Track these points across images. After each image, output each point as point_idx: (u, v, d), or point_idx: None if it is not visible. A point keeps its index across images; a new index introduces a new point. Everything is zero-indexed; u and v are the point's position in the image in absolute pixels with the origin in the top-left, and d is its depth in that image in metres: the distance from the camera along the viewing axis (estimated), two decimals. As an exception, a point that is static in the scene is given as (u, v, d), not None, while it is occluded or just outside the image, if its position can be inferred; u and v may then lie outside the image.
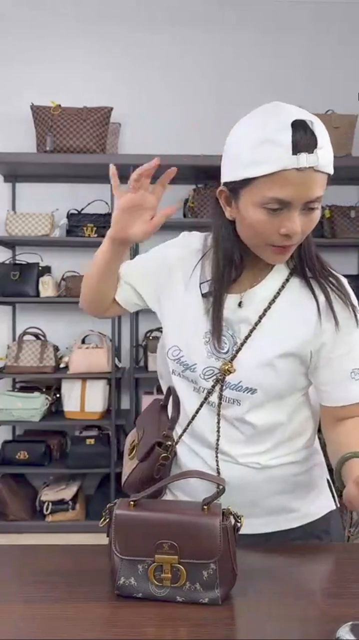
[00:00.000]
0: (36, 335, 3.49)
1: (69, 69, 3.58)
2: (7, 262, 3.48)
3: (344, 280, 1.13)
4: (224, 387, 1.09)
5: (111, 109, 3.32)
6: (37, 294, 3.36)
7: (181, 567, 0.95)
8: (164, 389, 1.25)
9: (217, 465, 1.14)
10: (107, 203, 3.40)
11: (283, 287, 1.09)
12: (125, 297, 1.24)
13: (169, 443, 1.15)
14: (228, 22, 3.61)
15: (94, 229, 3.33)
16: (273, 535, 1.19)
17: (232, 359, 1.08)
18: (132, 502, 1.01)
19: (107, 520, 1.01)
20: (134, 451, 1.22)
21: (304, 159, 0.91)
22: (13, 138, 3.52)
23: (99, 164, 3.27)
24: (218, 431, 1.12)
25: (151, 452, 1.16)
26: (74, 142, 3.25)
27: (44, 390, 3.46)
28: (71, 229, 3.39)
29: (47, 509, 3.30)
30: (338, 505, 1.27)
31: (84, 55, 3.59)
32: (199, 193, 3.41)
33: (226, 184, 1.03)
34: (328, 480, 1.27)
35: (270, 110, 0.98)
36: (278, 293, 1.09)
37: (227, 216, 1.06)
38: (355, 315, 1.08)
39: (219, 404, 1.10)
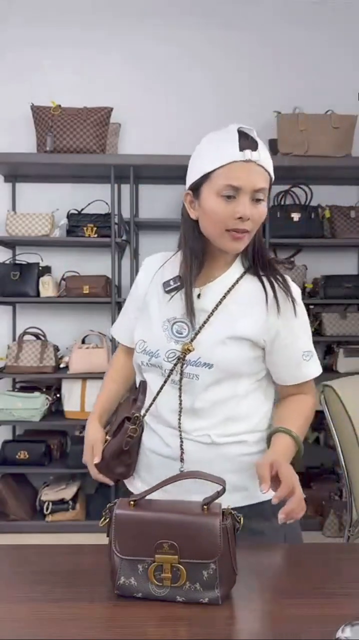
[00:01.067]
0: (36, 335, 3.49)
1: (69, 69, 3.58)
2: (7, 262, 3.48)
3: (289, 279, 1.31)
4: (185, 365, 1.24)
5: (111, 109, 3.33)
6: (37, 294, 3.36)
7: (181, 567, 0.96)
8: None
9: (181, 442, 1.26)
10: (107, 203, 3.40)
11: (237, 282, 1.28)
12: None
13: (137, 415, 1.30)
14: (228, 22, 3.61)
15: (94, 229, 3.33)
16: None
17: (192, 340, 1.25)
18: (132, 502, 1.01)
19: (107, 520, 1.01)
20: (107, 436, 1.38)
21: (248, 154, 1.17)
22: (13, 138, 3.52)
23: (99, 164, 3.27)
24: (180, 404, 1.25)
25: (121, 427, 1.31)
26: (74, 142, 3.25)
27: (44, 390, 3.46)
28: (71, 229, 3.39)
29: (47, 509, 3.30)
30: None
31: (84, 55, 3.59)
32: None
33: (190, 187, 1.25)
34: None
35: (222, 129, 1.24)
36: (232, 287, 1.27)
37: (192, 217, 1.25)
38: (294, 307, 1.28)
39: (181, 379, 1.25)
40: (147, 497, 1.03)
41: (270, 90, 3.57)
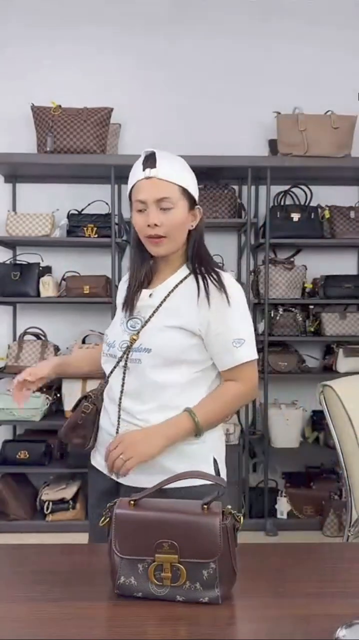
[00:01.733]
0: (37, 335, 3.49)
1: (69, 69, 3.58)
2: (8, 262, 3.48)
3: (225, 275, 1.46)
4: (131, 352, 1.43)
5: (111, 109, 3.33)
6: (38, 294, 3.36)
7: (181, 566, 0.96)
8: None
9: (119, 421, 1.43)
10: (107, 203, 3.40)
11: (180, 282, 1.46)
12: None
13: (90, 394, 1.51)
14: (227, 22, 3.61)
15: (95, 229, 3.33)
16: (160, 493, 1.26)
17: (138, 332, 1.43)
18: (132, 502, 1.01)
19: (108, 520, 1.01)
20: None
21: (148, 172, 1.39)
22: (13, 139, 3.52)
23: (100, 165, 3.27)
24: (122, 386, 1.43)
25: (79, 405, 1.52)
26: (74, 143, 3.25)
27: (44, 390, 3.46)
28: (72, 229, 3.39)
29: (47, 509, 3.30)
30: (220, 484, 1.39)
31: (84, 55, 3.59)
32: (198, 193, 3.41)
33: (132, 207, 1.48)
34: (214, 461, 1.47)
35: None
36: (176, 286, 1.46)
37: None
38: (227, 299, 1.41)
39: (125, 364, 1.43)
40: (147, 497, 1.03)
41: (270, 90, 3.57)
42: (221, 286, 1.42)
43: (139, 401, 1.42)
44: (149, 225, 1.40)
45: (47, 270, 3.51)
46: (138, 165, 1.42)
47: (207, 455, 1.46)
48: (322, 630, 0.86)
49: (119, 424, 1.44)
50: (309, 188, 3.45)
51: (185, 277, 1.47)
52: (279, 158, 3.33)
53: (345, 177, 3.55)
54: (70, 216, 3.41)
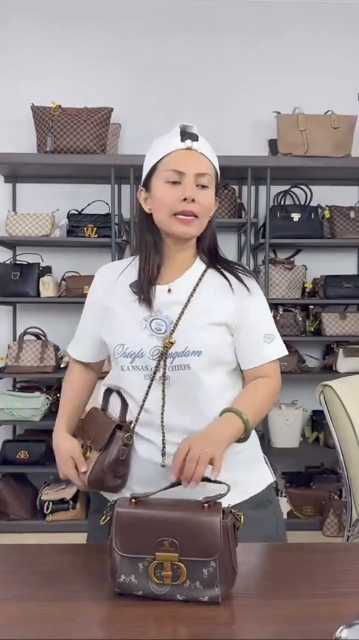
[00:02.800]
0: (37, 335, 3.49)
1: (69, 69, 3.58)
2: (8, 262, 3.48)
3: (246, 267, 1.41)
4: (171, 359, 1.25)
5: (111, 109, 3.33)
6: (38, 294, 3.36)
7: (181, 564, 0.96)
8: (101, 398, 1.37)
9: (164, 443, 1.25)
10: (107, 203, 3.40)
11: (202, 275, 1.34)
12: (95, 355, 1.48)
13: (130, 422, 1.27)
14: (228, 22, 3.61)
15: (95, 229, 3.33)
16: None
17: (171, 333, 1.26)
18: (133, 500, 1.01)
19: (108, 518, 1.01)
20: (87, 453, 1.32)
21: (189, 143, 1.27)
22: (13, 139, 3.52)
23: (100, 165, 3.27)
24: (163, 399, 1.25)
25: (112, 438, 1.25)
26: (74, 143, 3.25)
27: (44, 390, 3.46)
28: (72, 229, 3.39)
29: (47, 509, 3.30)
30: (275, 479, 1.42)
31: (84, 55, 3.59)
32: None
33: (143, 184, 1.33)
34: (264, 457, 1.41)
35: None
36: (200, 280, 1.33)
37: (146, 210, 1.31)
38: (259, 290, 1.36)
39: (164, 374, 1.25)
40: (141, 484, 1.04)
41: (270, 90, 3.57)
42: (251, 275, 1.36)
43: (181, 413, 1.26)
44: (185, 200, 1.24)
45: (47, 270, 3.51)
46: (174, 136, 1.28)
47: (260, 454, 1.40)
48: (322, 630, 0.86)
49: (164, 445, 1.24)
50: (309, 188, 3.45)
51: (205, 270, 1.35)
52: (279, 158, 3.33)
53: (345, 177, 3.55)
54: (70, 216, 3.41)
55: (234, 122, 3.58)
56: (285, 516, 3.35)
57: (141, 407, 1.27)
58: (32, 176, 3.57)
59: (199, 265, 1.35)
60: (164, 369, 1.25)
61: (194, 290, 1.31)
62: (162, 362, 1.25)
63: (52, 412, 3.46)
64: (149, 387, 1.26)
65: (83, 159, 3.26)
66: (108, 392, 1.35)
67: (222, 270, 1.34)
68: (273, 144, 3.43)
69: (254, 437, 1.37)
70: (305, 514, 3.39)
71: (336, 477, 3.44)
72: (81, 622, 0.91)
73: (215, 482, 1.10)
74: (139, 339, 1.27)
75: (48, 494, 3.35)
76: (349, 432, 1.94)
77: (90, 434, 1.32)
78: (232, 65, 3.62)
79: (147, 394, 1.26)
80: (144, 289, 1.30)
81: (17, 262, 3.48)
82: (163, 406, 1.25)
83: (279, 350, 1.36)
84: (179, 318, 1.28)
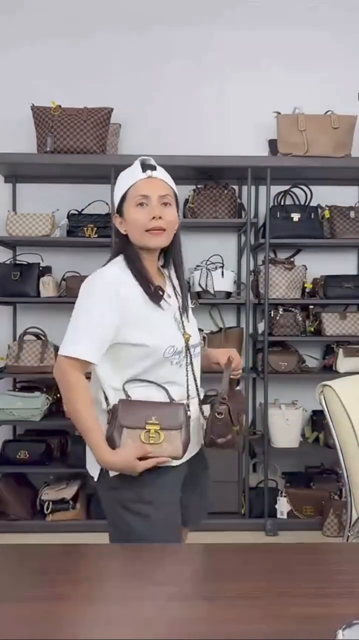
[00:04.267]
0: (37, 335, 3.49)
1: (69, 69, 3.58)
2: (8, 262, 3.48)
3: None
4: (194, 349, 1.62)
5: (111, 109, 3.32)
6: (38, 294, 3.36)
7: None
8: (111, 394, 1.55)
9: (201, 408, 1.62)
10: (107, 203, 3.40)
11: (171, 281, 1.69)
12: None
13: (186, 402, 1.58)
14: (228, 20, 3.61)
15: (95, 229, 3.33)
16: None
17: (184, 330, 1.60)
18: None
19: None
20: (161, 435, 1.50)
21: (150, 172, 1.57)
22: (13, 139, 3.52)
23: (100, 165, 3.27)
24: (194, 379, 1.62)
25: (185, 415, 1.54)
26: (74, 143, 3.25)
27: (44, 390, 3.46)
28: (72, 230, 3.39)
29: (47, 509, 3.30)
30: None
31: (84, 55, 3.59)
32: (198, 193, 3.42)
33: (116, 211, 1.62)
34: None
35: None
36: (174, 285, 1.68)
37: (122, 232, 1.61)
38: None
39: (191, 362, 1.59)
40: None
41: (270, 90, 3.57)
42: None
43: (193, 380, 1.61)
44: (153, 218, 1.53)
45: (47, 270, 3.51)
46: (136, 169, 1.58)
47: None
48: (322, 630, 0.86)
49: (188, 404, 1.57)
50: (309, 188, 3.45)
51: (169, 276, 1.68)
52: (279, 158, 3.33)
53: (345, 177, 3.55)
54: (70, 216, 3.41)
55: (234, 122, 3.58)
56: (285, 516, 3.36)
57: (188, 388, 1.58)
58: (32, 176, 3.57)
59: (164, 272, 1.68)
60: (191, 358, 1.59)
61: (180, 294, 1.64)
62: (189, 352, 1.59)
63: (52, 412, 3.46)
64: (187, 371, 1.58)
65: (83, 159, 3.26)
66: (124, 385, 1.54)
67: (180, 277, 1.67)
68: (273, 144, 3.43)
69: None
70: (305, 514, 3.39)
71: (336, 477, 3.44)
72: (81, 623, 0.91)
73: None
74: (179, 338, 1.57)
75: (48, 494, 3.35)
76: (349, 432, 1.94)
77: (151, 419, 1.50)
78: (232, 65, 3.61)
79: (187, 377, 1.58)
80: (155, 291, 1.55)
81: (17, 262, 3.48)
82: (195, 382, 1.63)
83: None
84: (182, 316, 1.61)
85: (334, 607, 0.95)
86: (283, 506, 3.35)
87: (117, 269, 1.58)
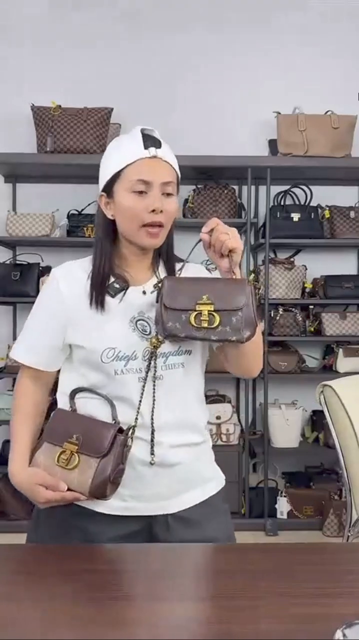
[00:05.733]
0: (36, 335, 3.49)
1: (69, 69, 3.58)
2: (8, 262, 3.48)
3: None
4: (166, 358, 1.27)
5: (111, 109, 3.33)
6: (38, 294, 3.36)
7: (215, 314, 1.20)
8: (61, 401, 1.33)
9: (152, 444, 1.25)
10: (107, 203, 3.39)
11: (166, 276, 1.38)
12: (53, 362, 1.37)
13: (133, 425, 1.24)
14: (228, 22, 3.61)
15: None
16: (208, 502, 1.33)
17: (157, 333, 1.26)
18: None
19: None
20: (74, 460, 1.21)
21: (153, 151, 1.25)
22: (13, 138, 3.52)
23: (99, 165, 3.27)
24: (153, 402, 1.25)
25: (114, 443, 1.19)
26: (74, 143, 3.25)
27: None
28: (71, 230, 3.39)
29: (47, 509, 3.30)
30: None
31: (84, 55, 3.59)
32: (198, 193, 3.42)
33: (103, 189, 1.30)
34: None
35: (126, 133, 1.32)
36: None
37: (108, 216, 1.30)
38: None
39: (155, 374, 1.26)
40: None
41: (270, 90, 3.57)
42: (208, 266, 1.44)
43: (169, 411, 1.27)
44: (153, 211, 1.23)
45: (47, 270, 3.50)
46: (136, 142, 1.25)
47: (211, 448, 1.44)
48: (322, 630, 0.86)
49: (153, 444, 1.24)
50: (309, 188, 3.45)
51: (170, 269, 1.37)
52: (279, 158, 3.33)
53: (345, 177, 3.55)
54: (70, 216, 3.41)
55: (234, 122, 3.58)
56: (285, 516, 3.36)
57: (138, 409, 1.24)
58: (32, 176, 3.57)
59: (162, 268, 1.37)
60: (155, 369, 1.26)
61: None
62: (153, 362, 1.25)
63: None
64: (143, 388, 1.25)
65: (83, 159, 3.26)
66: (72, 393, 1.30)
67: (187, 266, 1.37)
68: (273, 144, 3.43)
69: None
70: (305, 514, 3.39)
71: (336, 477, 3.44)
72: (81, 623, 0.91)
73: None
74: (131, 341, 1.26)
75: (48, 494, 3.35)
76: (349, 432, 1.94)
77: (74, 438, 1.22)
78: (232, 65, 3.61)
79: (142, 395, 1.24)
80: (95, 291, 1.28)
81: (17, 262, 3.48)
82: (153, 405, 1.25)
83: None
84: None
85: (334, 607, 0.95)
86: (282, 506, 3.35)
87: (75, 264, 1.38)
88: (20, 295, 3.37)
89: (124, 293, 1.29)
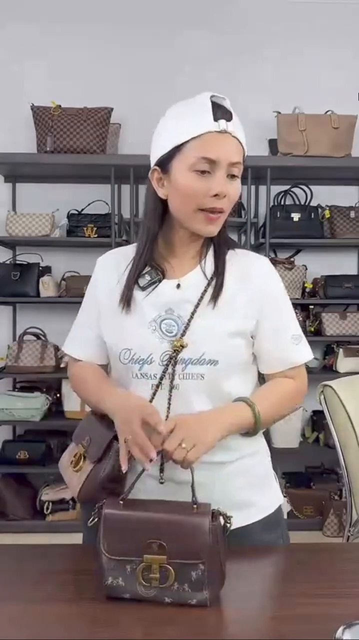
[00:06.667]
0: (36, 335, 3.49)
1: (69, 69, 3.58)
2: (8, 262, 3.48)
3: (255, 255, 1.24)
4: (184, 365, 1.10)
5: (111, 109, 3.32)
6: (38, 294, 3.36)
7: (169, 567, 0.93)
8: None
9: (162, 459, 1.07)
10: (107, 203, 3.39)
11: (217, 268, 1.17)
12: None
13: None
14: (228, 22, 3.61)
15: (95, 229, 3.33)
16: (234, 532, 1.03)
17: (182, 335, 1.11)
18: (121, 501, 0.99)
19: (97, 519, 0.99)
20: (80, 462, 1.16)
21: (223, 124, 1.06)
22: (13, 138, 3.52)
23: (100, 165, 3.27)
24: (168, 410, 1.10)
25: (108, 450, 1.10)
26: (74, 143, 3.25)
27: (44, 390, 3.46)
28: (71, 229, 3.39)
29: (47, 509, 3.30)
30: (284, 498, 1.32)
31: (84, 55, 3.59)
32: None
33: (157, 163, 1.13)
34: (274, 475, 1.33)
35: (191, 99, 1.14)
36: (215, 273, 1.16)
37: (160, 195, 1.13)
38: (278, 283, 1.19)
39: (172, 382, 1.10)
40: (139, 497, 1.02)
41: (270, 90, 3.57)
42: (269, 269, 1.18)
43: None
44: (216, 195, 1.07)
45: (47, 270, 3.50)
46: (204, 112, 1.07)
47: (270, 470, 1.29)
48: (322, 630, 0.86)
49: (162, 461, 1.08)
50: (309, 188, 3.45)
51: (218, 262, 1.18)
52: (279, 158, 3.33)
53: (345, 177, 3.55)
54: (70, 216, 3.41)
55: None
56: (285, 516, 3.34)
57: None
58: (32, 176, 3.57)
59: (210, 258, 1.18)
60: (173, 376, 1.10)
61: (208, 286, 1.14)
62: (171, 369, 1.10)
63: (51, 412, 3.46)
64: (154, 396, 1.11)
65: (83, 159, 3.26)
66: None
67: (235, 259, 1.18)
68: (273, 144, 3.43)
69: (266, 451, 1.28)
70: (305, 514, 3.39)
71: (336, 477, 3.44)
72: (80, 623, 0.91)
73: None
74: (149, 342, 1.12)
75: (48, 494, 3.35)
76: (349, 432, 1.94)
77: (85, 441, 1.17)
78: (232, 65, 3.61)
79: (154, 398, 1.11)
80: (128, 283, 1.15)
81: (17, 262, 3.48)
82: (167, 417, 1.10)
83: (306, 353, 1.20)
84: (191, 319, 1.12)
85: (334, 607, 0.95)
86: (283, 506, 3.35)
87: (120, 251, 1.27)
88: (20, 295, 3.37)
89: (155, 287, 1.15)
